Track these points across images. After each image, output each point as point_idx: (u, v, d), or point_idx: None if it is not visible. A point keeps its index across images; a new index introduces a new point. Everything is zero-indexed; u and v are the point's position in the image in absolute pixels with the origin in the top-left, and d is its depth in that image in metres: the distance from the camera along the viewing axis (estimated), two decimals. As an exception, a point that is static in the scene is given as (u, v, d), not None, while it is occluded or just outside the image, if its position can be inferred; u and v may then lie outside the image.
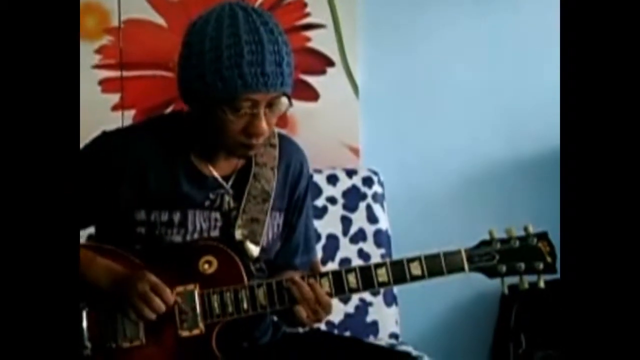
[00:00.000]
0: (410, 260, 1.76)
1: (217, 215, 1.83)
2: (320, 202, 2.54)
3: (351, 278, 1.76)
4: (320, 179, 2.56)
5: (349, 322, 2.51)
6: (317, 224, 2.39)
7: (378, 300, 2.54)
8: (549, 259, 1.77)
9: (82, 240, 1.91)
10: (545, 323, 2.67)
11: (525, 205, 2.77)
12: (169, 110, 2.52)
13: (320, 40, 2.70)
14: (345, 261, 2.52)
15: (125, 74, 2.62)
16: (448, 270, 1.76)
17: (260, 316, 1.83)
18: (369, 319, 2.53)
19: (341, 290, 1.76)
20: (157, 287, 1.70)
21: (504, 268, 1.78)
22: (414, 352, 2.33)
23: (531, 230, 1.79)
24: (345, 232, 2.56)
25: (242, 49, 1.66)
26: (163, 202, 1.79)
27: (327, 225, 2.54)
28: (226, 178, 1.84)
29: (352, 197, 2.58)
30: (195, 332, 1.74)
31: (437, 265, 1.76)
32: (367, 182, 2.61)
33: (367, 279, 1.76)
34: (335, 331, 2.47)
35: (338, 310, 2.46)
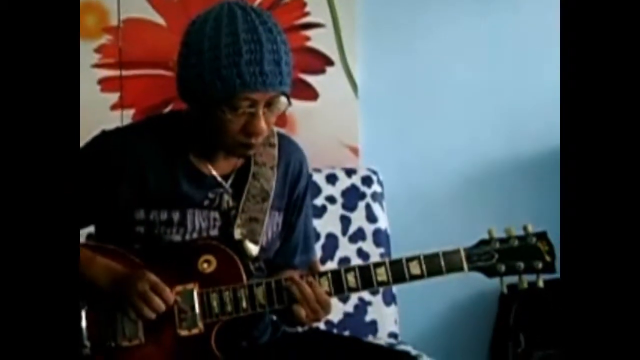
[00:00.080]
0: (410, 260, 1.76)
1: (216, 214, 1.82)
2: (319, 201, 2.54)
3: (350, 277, 1.76)
4: (319, 178, 2.56)
5: (348, 321, 2.51)
6: (317, 223, 2.39)
7: (377, 300, 2.54)
8: (548, 258, 1.77)
9: (82, 239, 1.90)
10: (544, 322, 2.67)
11: (525, 205, 2.76)
12: (168, 109, 2.51)
13: (320, 40, 2.69)
14: (345, 260, 2.52)
15: (125, 73, 2.62)
16: (447, 269, 1.76)
17: (259, 315, 1.83)
18: (368, 318, 2.53)
19: (340, 289, 1.76)
20: (156, 287, 1.70)
21: (503, 267, 1.78)
22: (413, 352, 2.33)
23: (530, 229, 1.79)
24: (344, 232, 2.56)
25: (240, 48, 1.66)
26: (162, 201, 1.79)
27: (327, 224, 2.54)
28: (225, 177, 1.84)
29: (352, 197, 2.58)
30: (195, 331, 1.74)
31: (436, 265, 1.76)
32: (367, 181, 2.61)
33: (366, 278, 1.76)
34: (335, 330, 2.47)
35: (337, 310, 2.46)
